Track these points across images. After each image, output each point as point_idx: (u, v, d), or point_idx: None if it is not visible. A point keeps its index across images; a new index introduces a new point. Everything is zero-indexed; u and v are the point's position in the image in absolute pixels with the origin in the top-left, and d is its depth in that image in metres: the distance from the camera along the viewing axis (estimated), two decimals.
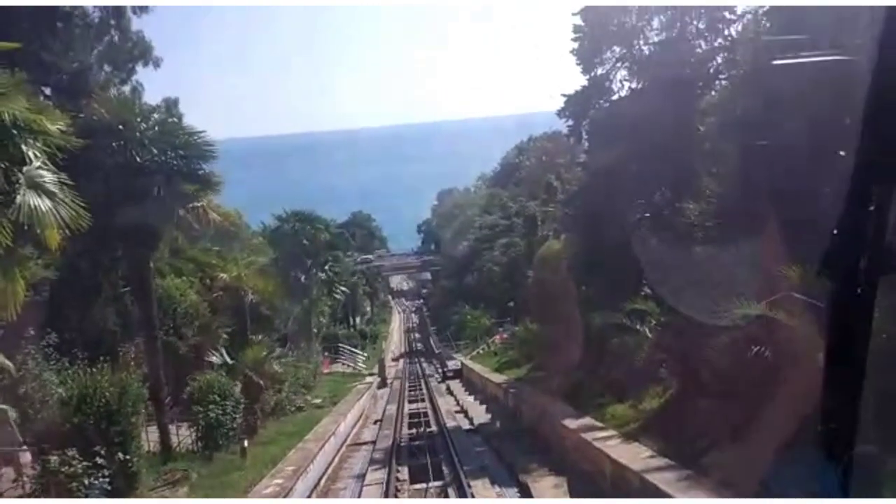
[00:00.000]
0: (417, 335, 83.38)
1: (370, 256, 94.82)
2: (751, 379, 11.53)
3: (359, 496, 16.07)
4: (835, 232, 1.97)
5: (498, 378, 30.23)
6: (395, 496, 15.67)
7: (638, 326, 15.48)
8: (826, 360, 2.02)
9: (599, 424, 15.80)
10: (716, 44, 21.55)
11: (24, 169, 11.00)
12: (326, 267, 49.09)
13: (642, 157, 20.62)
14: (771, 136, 13.88)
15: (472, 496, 14.59)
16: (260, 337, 27.93)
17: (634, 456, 12.62)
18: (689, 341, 13.70)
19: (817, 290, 9.94)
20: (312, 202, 56.88)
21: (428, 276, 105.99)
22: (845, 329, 1.97)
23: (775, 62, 12.29)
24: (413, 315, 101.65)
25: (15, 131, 10.64)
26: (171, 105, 20.71)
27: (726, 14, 21.41)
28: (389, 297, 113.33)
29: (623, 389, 17.13)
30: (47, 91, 21.56)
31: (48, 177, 11.49)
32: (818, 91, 12.13)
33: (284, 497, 13.41)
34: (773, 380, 10.89)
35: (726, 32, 21.37)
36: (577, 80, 24.37)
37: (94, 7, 24.61)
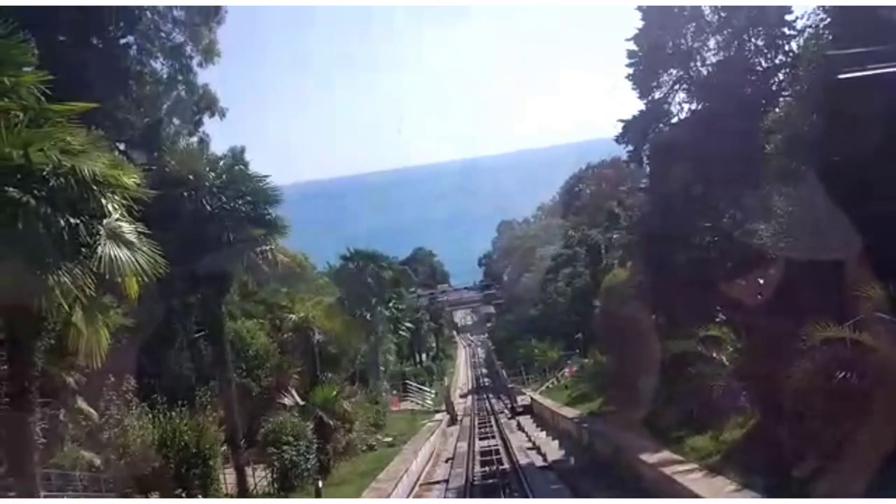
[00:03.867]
0: (484, 370, 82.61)
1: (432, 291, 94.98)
2: (838, 405, 10.96)
3: None
4: None
5: (570, 412, 29.60)
6: None
7: (714, 354, 14.93)
8: (880, 372, 1.92)
9: (679, 458, 15.21)
10: (777, 60, 21.10)
11: (104, 221, 11.37)
12: (391, 304, 49.35)
13: (707, 179, 20.17)
14: (841, 151, 13.38)
15: None
16: (329, 376, 28.19)
17: (718, 490, 12.09)
18: (770, 368, 13.13)
19: None
20: (375, 240, 57.63)
21: (491, 309, 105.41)
22: None
23: (842, 76, 11.90)
24: (479, 349, 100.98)
25: (95, 186, 11.00)
26: (237, 153, 21.50)
27: (786, 30, 20.98)
28: (454, 333, 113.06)
29: (702, 420, 16.51)
30: (121, 147, 22.64)
31: (126, 227, 11.81)
32: (891, 103, 11.67)
33: None
34: (862, 404, 10.33)
35: (787, 48, 20.92)
36: (634, 105, 24.20)
37: (163, 64, 25.91)
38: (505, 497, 18.88)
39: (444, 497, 20.00)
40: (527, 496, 18.09)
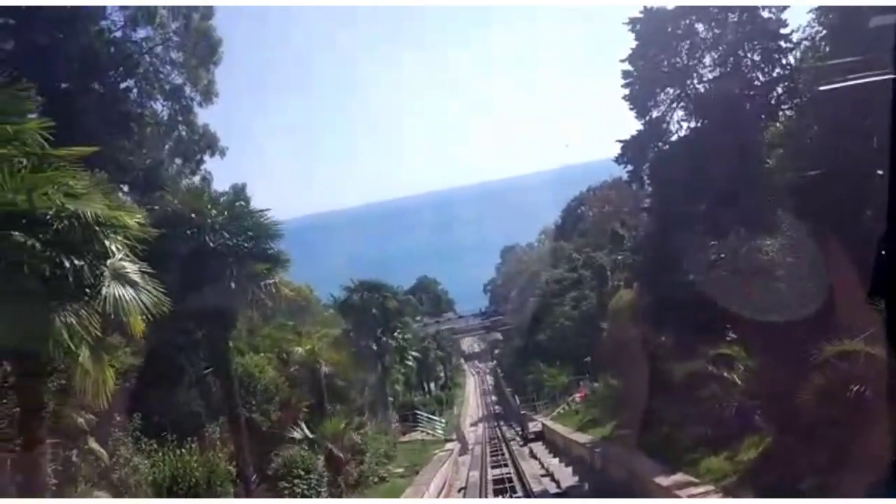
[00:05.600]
0: (494, 397, 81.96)
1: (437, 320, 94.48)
2: (853, 420, 10.83)
3: None
4: (882, 253, 1.89)
5: (582, 438, 29.23)
6: None
7: (725, 373, 14.80)
8: (891, 385, 1.87)
9: (694, 480, 14.94)
10: (774, 74, 21.15)
11: (108, 262, 11.47)
12: (396, 334, 49.05)
13: (710, 197, 20.15)
14: (837, 162, 13.41)
15: None
16: (338, 408, 27.96)
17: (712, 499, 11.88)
18: (783, 385, 13.00)
19: None
20: (379, 271, 57.52)
21: (498, 336, 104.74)
22: None
23: (822, 87, 12.00)
24: (487, 377, 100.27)
25: (98, 228, 11.12)
26: (238, 190, 21.71)
27: (781, 43, 21.07)
28: (462, 361, 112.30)
29: (716, 441, 16.27)
30: (125, 188, 22.83)
31: (130, 267, 11.93)
32: (871, 112, 11.73)
33: None
34: (877, 419, 10.20)
35: (784, 62, 21.00)
36: (632, 125, 24.26)
37: (163, 105, 26.20)
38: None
39: None
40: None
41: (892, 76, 9.83)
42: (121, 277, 11.62)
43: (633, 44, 23.43)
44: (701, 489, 14.02)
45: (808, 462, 11.89)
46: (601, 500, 13.65)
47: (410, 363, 54.16)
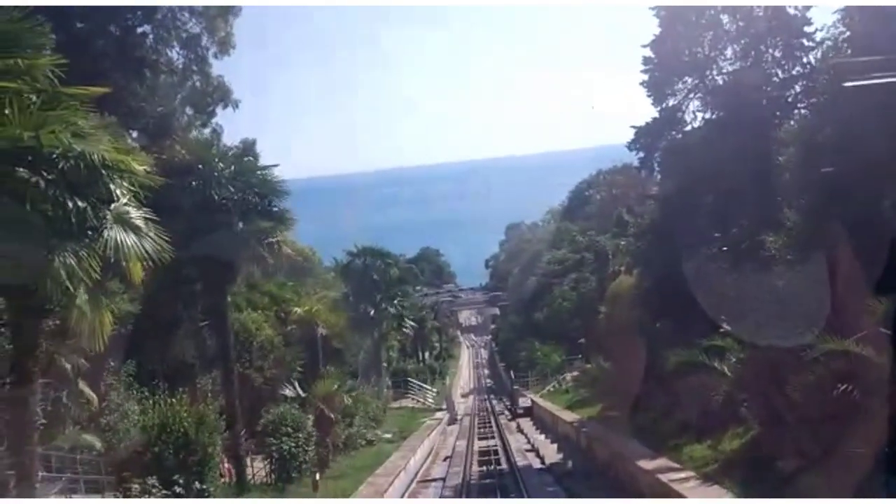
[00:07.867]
0: (486, 371, 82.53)
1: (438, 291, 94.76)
2: (837, 419, 10.93)
3: None
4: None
5: (570, 416, 29.54)
6: None
7: (716, 364, 14.90)
8: (892, 382, 1.89)
9: (676, 465, 15.17)
10: (794, 72, 20.93)
11: (112, 206, 11.45)
12: (396, 301, 49.34)
13: (718, 189, 20.07)
14: (850, 163, 13.32)
15: None
16: (331, 370, 28.25)
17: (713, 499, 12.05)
18: (771, 379, 13.09)
19: None
20: (383, 238, 57.59)
21: (496, 311, 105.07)
22: None
23: (846, 84, 11.88)
24: (482, 350, 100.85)
25: (104, 171, 11.08)
26: (248, 146, 21.57)
27: (804, 41, 20.81)
28: (458, 333, 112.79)
29: (701, 429, 16.44)
30: (134, 134, 22.80)
31: (133, 213, 11.90)
32: (889, 116, 11.63)
33: None
34: (862, 420, 10.29)
35: (804, 60, 20.76)
36: (647, 112, 24.09)
37: (179, 54, 26.01)
38: (502, 497, 18.91)
39: (442, 495, 20.00)
40: (522, 497, 18.10)
41: None
42: (124, 222, 11.60)
43: (657, 30, 23.15)
44: (682, 474, 14.22)
45: (789, 456, 12.05)
46: (601, 501, 13.85)
47: (407, 331, 54.54)
